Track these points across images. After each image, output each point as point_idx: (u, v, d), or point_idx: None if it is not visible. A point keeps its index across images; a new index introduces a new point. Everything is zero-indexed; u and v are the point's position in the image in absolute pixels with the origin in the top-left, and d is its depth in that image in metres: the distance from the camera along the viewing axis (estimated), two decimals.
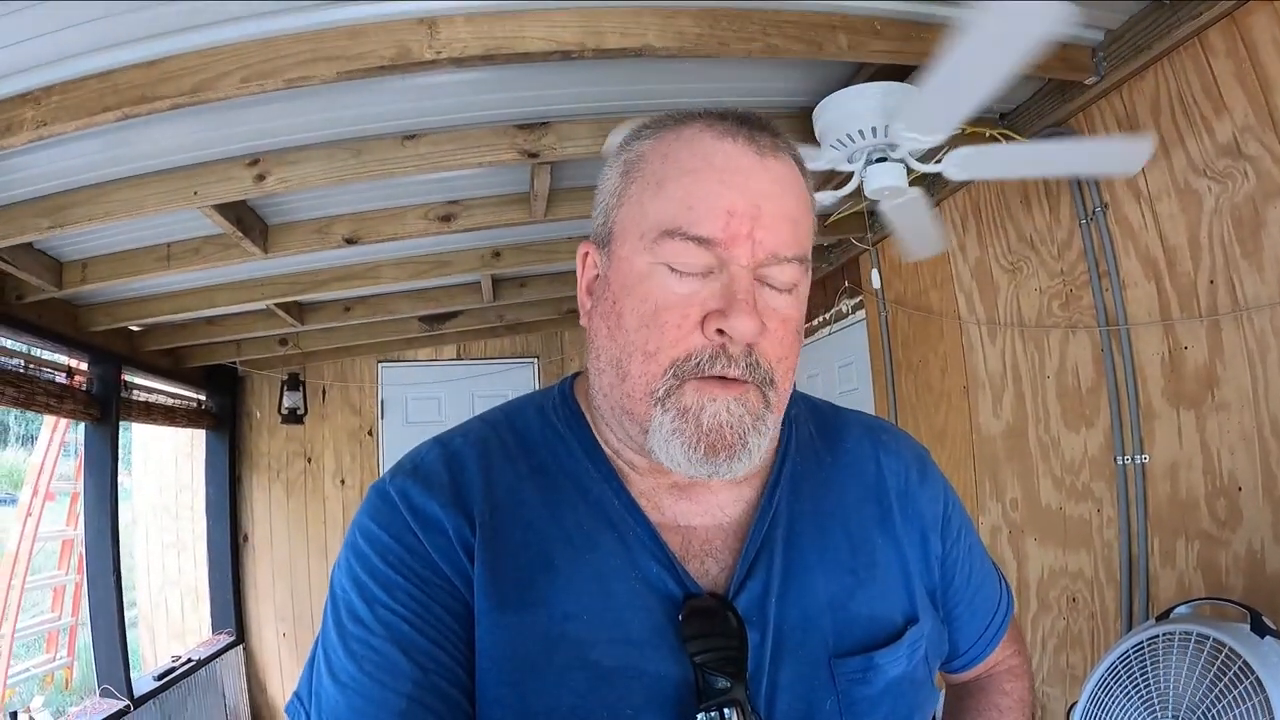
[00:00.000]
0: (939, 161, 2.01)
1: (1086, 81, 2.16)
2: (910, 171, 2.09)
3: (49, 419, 4.86)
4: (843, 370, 4.02)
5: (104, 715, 3.29)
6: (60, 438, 5.15)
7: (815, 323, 4.29)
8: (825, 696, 0.64)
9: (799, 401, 0.80)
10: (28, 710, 3.55)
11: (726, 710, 0.59)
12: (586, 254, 0.73)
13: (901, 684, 0.68)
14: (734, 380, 0.62)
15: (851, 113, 2.04)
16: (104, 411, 3.55)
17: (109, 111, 1.80)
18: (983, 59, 1.50)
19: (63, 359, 3.38)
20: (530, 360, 5.30)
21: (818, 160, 2.14)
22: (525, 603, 0.63)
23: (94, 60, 1.78)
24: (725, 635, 0.62)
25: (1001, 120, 2.54)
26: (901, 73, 2.05)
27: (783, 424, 0.72)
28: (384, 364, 5.21)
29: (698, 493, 0.70)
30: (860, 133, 2.04)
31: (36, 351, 3.25)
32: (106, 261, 2.87)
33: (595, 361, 0.69)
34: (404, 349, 5.20)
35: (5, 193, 2.27)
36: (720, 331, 0.61)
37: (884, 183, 2.08)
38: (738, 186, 0.62)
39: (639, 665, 0.62)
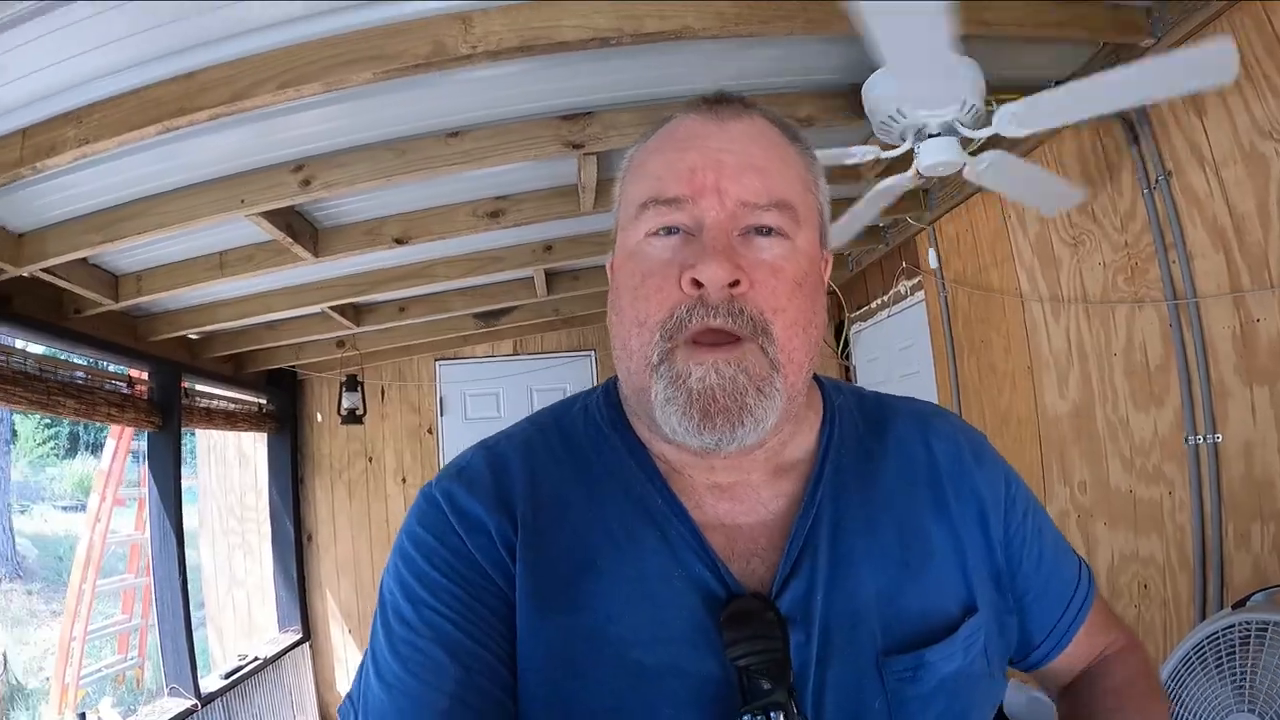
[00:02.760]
0: (990, 125, 1.93)
1: (1142, 44, 2.04)
2: (968, 142, 2.01)
3: (114, 429, 5.02)
4: (903, 353, 3.92)
5: (171, 715, 3.38)
6: (126, 445, 5.32)
7: (874, 305, 4.20)
8: (874, 697, 0.62)
9: (846, 393, 0.79)
10: (96, 711, 3.65)
11: (772, 714, 0.58)
12: (611, 264, 0.75)
13: (957, 680, 0.65)
14: (724, 341, 0.62)
15: (930, 90, 1.93)
16: (165, 418, 3.63)
17: (149, 126, 1.82)
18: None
19: (124, 369, 3.46)
20: (588, 353, 5.27)
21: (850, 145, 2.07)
22: (568, 605, 0.64)
23: (131, 76, 1.80)
24: (768, 637, 0.60)
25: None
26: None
27: (826, 414, 0.75)
28: (441, 362, 5.24)
29: (739, 490, 0.69)
30: (897, 115, 1.97)
31: (103, 364, 3.34)
32: (161, 273, 2.93)
33: (615, 354, 0.70)
34: (460, 346, 5.20)
35: (56, 210, 2.33)
36: (696, 283, 0.61)
37: (938, 158, 2.00)
38: (697, 148, 0.65)
39: (680, 665, 0.61)
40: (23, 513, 13.30)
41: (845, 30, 1.80)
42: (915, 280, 3.71)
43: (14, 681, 5.84)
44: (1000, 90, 2.01)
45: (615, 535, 0.66)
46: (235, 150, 2.23)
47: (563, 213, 2.86)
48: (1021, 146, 2.66)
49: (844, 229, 2.64)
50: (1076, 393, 2.61)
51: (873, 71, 2.00)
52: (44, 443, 15.75)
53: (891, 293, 3.96)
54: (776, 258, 0.64)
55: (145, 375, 3.58)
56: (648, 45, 1.88)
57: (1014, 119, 1.90)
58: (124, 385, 3.37)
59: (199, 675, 3.65)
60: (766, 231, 0.64)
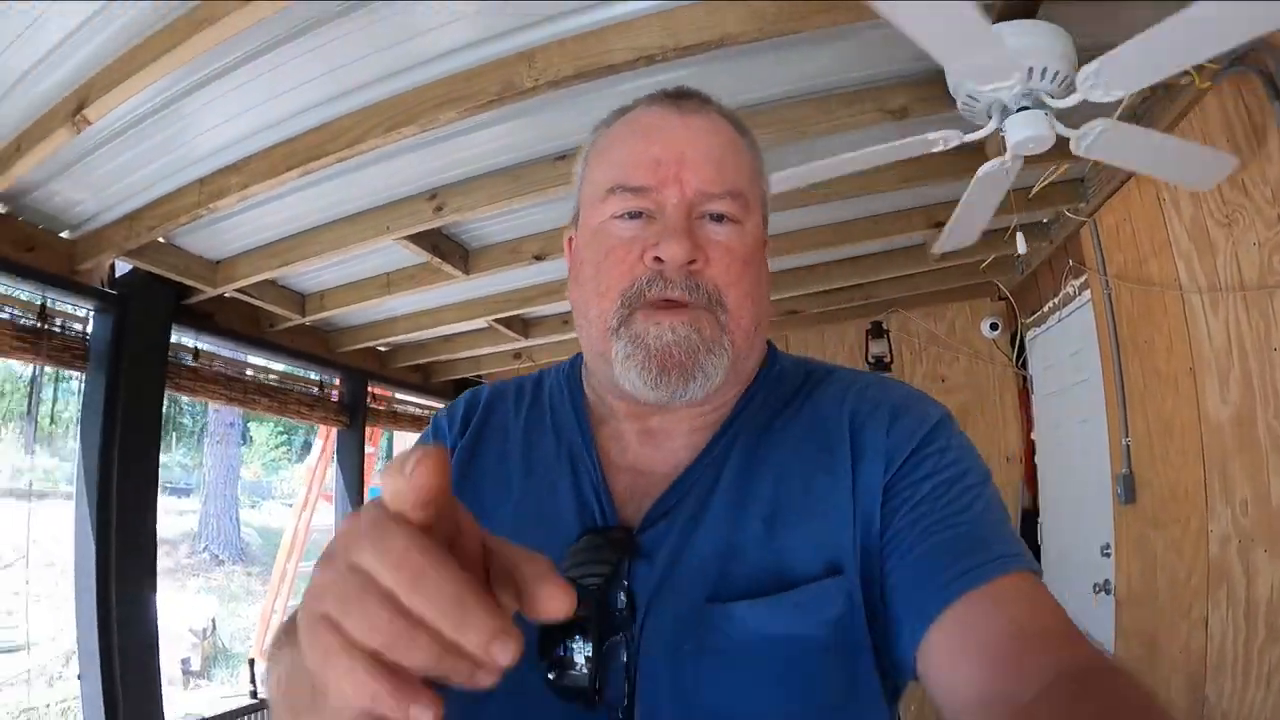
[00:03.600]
0: (1074, 93, 1.77)
1: None
2: (1053, 112, 1.85)
3: (322, 431, 5.77)
4: (1072, 359, 3.57)
5: None
6: (332, 446, 6.13)
7: (1046, 309, 3.87)
8: (686, 639, 0.65)
9: (790, 364, 0.83)
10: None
11: (579, 635, 0.64)
12: (570, 239, 0.84)
13: (784, 644, 0.64)
14: (678, 305, 0.69)
15: (976, 66, 1.82)
16: (352, 418, 4.25)
17: (292, 170, 2.21)
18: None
19: (315, 375, 4.08)
20: None
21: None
22: (477, 513, 0.75)
23: (276, 132, 2.20)
24: (599, 563, 0.66)
25: None
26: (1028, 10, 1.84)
27: (755, 381, 0.79)
28: None
29: (660, 439, 0.76)
30: (985, 89, 1.85)
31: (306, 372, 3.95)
32: (339, 292, 3.45)
33: (576, 322, 0.79)
34: None
35: (242, 241, 2.88)
36: (657, 259, 0.69)
37: (1024, 134, 1.85)
38: (662, 141, 0.72)
39: None
40: (253, 507, 15.49)
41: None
42: (1082, 279, 3.38)
43: (221, 645, 6.90)
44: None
45: (535, 467, 0.78)
46: (381, 185, 2.61)
47: None
48: (1163, 119, 2.38)
49: (958, 229, 2.50)
50: (1238, 396, 2.26)
51: None
52: (276, 447, 18.36)
53: (1061, 294, 3.62)
54: (729, 239, 0.72)
55: (335, 381, 4.18)
56: (719, 55, 1.96)
57: (1095, 80, 1.71)
58: (315, 389, 3.97)
59: None
60: (720, 218, 0.72)
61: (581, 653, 0.64)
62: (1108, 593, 3.15)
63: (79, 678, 2.77)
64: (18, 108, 1.98)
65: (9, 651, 7.15)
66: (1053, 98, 1.84)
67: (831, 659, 0.65)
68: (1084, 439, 3.47)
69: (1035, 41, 1.76)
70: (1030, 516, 4.24)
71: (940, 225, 3.26)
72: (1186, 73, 2.02)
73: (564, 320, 4.43)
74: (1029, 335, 4.19)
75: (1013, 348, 4.39)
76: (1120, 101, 2.09)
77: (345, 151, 2.14)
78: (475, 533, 0.41)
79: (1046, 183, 3.00)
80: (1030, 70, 1.78)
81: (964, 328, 4.63)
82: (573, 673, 0.63)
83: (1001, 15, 1.86)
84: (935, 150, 2.10)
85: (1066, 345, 3.65)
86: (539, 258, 3.16)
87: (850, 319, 4.77)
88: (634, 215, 0.72)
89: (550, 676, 0.64)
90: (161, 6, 1.64)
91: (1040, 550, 4.11)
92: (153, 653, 2.89)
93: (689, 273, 0.69)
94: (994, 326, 4.40)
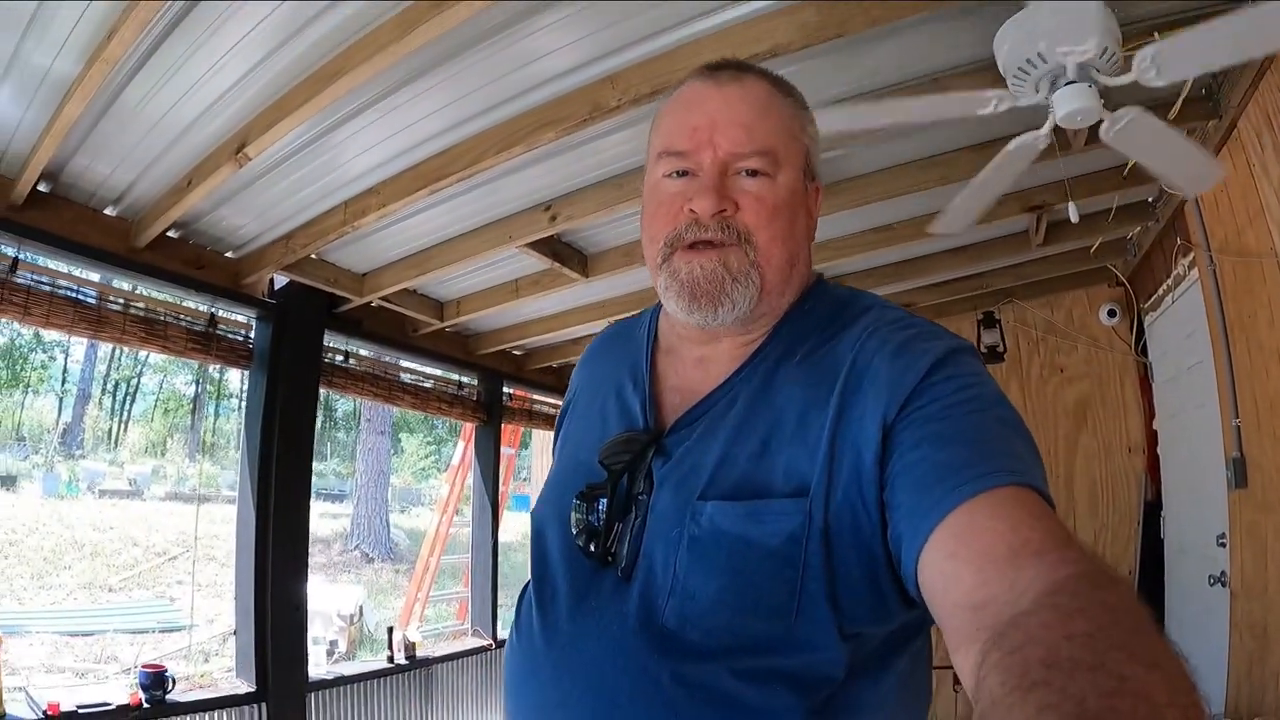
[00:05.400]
0: (1127, 73, 1.82)
1: None
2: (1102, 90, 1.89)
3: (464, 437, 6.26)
4: (1187, 342, 3.46)
5: (470, 646, 4.35)
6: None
7: (1159, 292, 3.76)
8: (675, 526, 0.78)
9: (827, 300, 0.90)
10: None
11: (600, 499, 0.83)
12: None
13: (741, 544, 0.74)
14: (710, 245, 0.82)
15: (1026, 36, 1.89)
16: (489, 415, 4.72)
17: (420, 190, 2.61)
18: None
19: (455, 375, 4.55)
20: None
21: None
22: (571, 432, 1.01)
23: (405, 159, 2.61)
24: (625, 454, 0.84)
25: None
26: None
27: (786, 314, 0.88)
28: None
29: (708, 365, 0.89)
30: (1034, 59, 1.89)
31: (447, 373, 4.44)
32: (473, 297, 3.90)
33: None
34: None
35: (384, 255, 3.36)
36: (693, 211, 0.83)
37: (1074, 105, 1.89)
38: (698, 110, 0.85)
39: (590, 462, 0.87)
40: (402, 511, 16.95)
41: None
42: (1190, 257, 3.29)
43: (367, 630, 7.70)
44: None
45: (607, 385, 0.96)
46: (501, 200, 2.98)
47: None
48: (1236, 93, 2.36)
49: (970, 199, 2.50)
50: None
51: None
52: (425, 458, 20.33)
53: (1172, 275, 3.53)
54: (759, 190, 0.82)
55: (474, 381, 4.66)
56: (777, 64, 2.08)
57: (1154, 63, 1.77)
58: (454, 388, 4.46)
59: (498, 624, 4.55)
60: (752, 173, 0.83)
61: (604, 522, 0.81)
62: (1223, 585, 3.05)
63: (234, 634, 3.24)
64: (188, 149, 2.46)
65: (173, 630, 8.32)
66: (1102, 74, 1.89)
67: (775, 566, 0.73)
68: (1201, 425, 3.37)
69: (1106, 17, 1.81)
70: (1153, 509, 4.11)
71: (1035, 209, 3.29)
72: None
73: None
74: (1147, 320, 4.07)
75: (1132, 334, 4.27)
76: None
77: (465, 171, 2.50)
78: None
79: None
80: (1101, 45, 1.81)
81: (1081, 316, 4.53)
82: (595, 537, 0.81)
83: None
84: (985, 111, 2.09)
85: (1181, 327, 3.56)
86: None
87: (964, 311, 4.73)
88: (681, 174, 0.84)
89: (578, 539, 0.82)
90: (305, 59, 2.04)
91: (1163, 544, 3.99)
92: (300, 631, 3.35)
93: (721, 219, 0.81)
94: (1112, 313, 4.30)
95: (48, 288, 2.68)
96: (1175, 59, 1.78)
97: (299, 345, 3.43)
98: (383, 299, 3.55)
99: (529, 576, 0.91)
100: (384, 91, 2.25)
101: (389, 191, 2.68)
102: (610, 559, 0.80)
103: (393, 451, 16.77)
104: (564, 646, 0.79)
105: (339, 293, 3.44)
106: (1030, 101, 2.02)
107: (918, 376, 0.73)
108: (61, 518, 11.58)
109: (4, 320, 3.38)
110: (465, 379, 4.57)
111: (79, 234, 2.70)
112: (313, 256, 3.25)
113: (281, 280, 3.38)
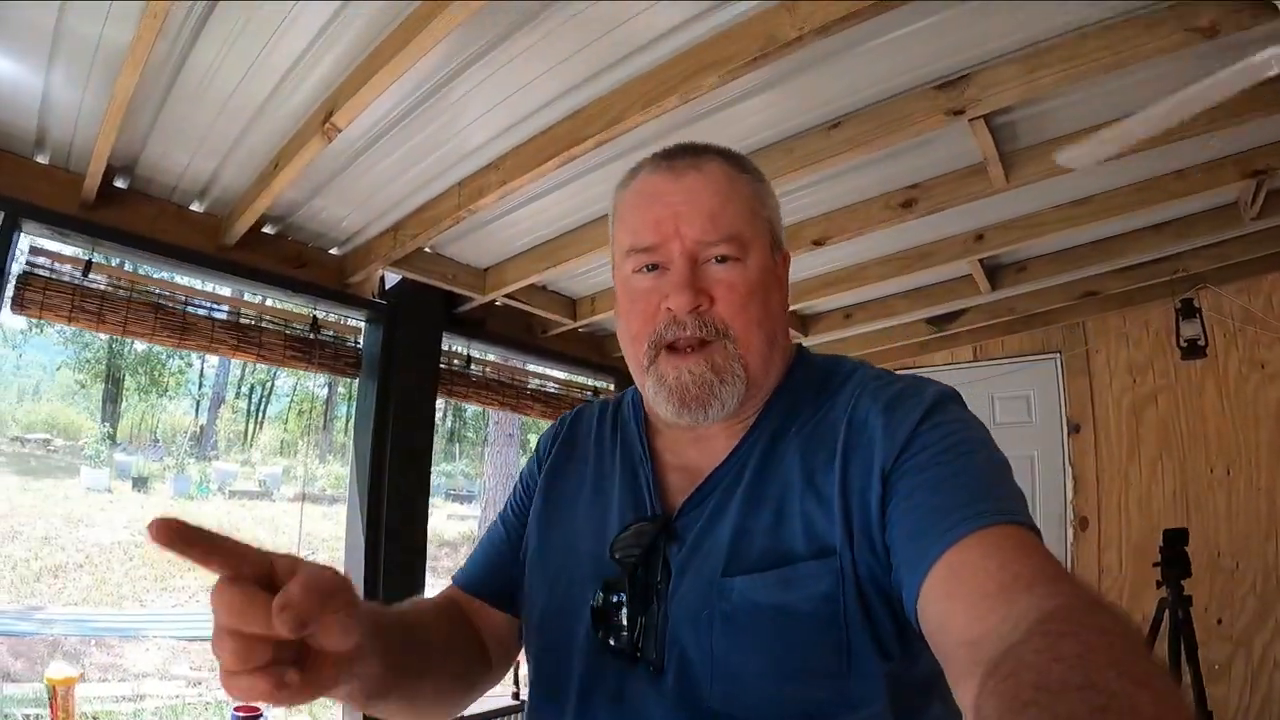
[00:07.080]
0: None
1: None
2: None
3: None
4: None
5: None
6: None
7: None
8: (705, 607, 0.77)
9: (809, 371, 0.91)
10: None
11: (619, 593, 0.81)
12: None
13: (776, 613, 0.74)
14: (694, 346, 0.82)
15: None
16: None
17: (550, 161, 2.10)
18: None
19: (588, 380, 4.10)
20: (1052, 355, 4.48)
21: None
22: (557, 506, 0.96)
23: (532, 124, 2.11)
24: (637, 546, 0.82)
25: None
26: None
27: (779, 389, 0.89)
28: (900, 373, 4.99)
29: (705, 442, 0.89)
30: None
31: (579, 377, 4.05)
32: (609, 293, 3.34)
33: (625, 356, 0.92)
34: (917, 354, 4.86)
35: (510, 245, 2.86)
36: (669, 309, 0.82)
37: None
38: (659, 203, 0.84)
39: (599, 553, 0.85)
40: None
41: None
42: None
43: None
44: None
45: (605, 470, 0.94)
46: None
47: (975, 193, 2.52)
48: None
49: (1169, 109, 1.71)
50: None
51: None
52: None
53: None
54: (731, 277, 0.83)
55: (610, 386, 4.17)
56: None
57: None
58: (589, 394, 4.02)
59: None
60: (722, 259, 0.83)
61: (626, 617, 0.80)
62: None
63: None
64: (270, 126, 2.07)
65: None
66: None
67: (818, 629, 0.73)
68: None
69: None
70: None
71: (1258, 174, 2.55)
72: None
73: (846, 315, 4.03)
74: None
75: None
76: None
77: (604, 134, 1.98)
78: (284, 565, 0.56)
79: None
80: None
81: None
82: (619, 634, 0.80)
83: None
84: (1269, 75, 1.53)
85: None
86: (819, 243, 2.82)
87: (1152, 299, 3.99)
88: (650, 268, 0.84)
89: (601, 637, 0.81)
90: (391, 7, 1.60)
91: None
92: None
93: (698, 314, 0.81)
94: None
95: (125, 293, 2.39)
96: None
97: (413, 351, 3.05)
98: (507, 297, 3.08)
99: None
100: (492, 41, 1.79)
101: (510, 166, 2.19)
102: (639, 654, 0.79)
103: (521, 454, 16.89)
104: None
105: (459, 290, 3.00)
106: None
107: (910, 427, 0.76)
108: (190, 519, 12.00)
109: (77, 329, 3.17)
110: (600, 383, 4.10)
111: (160, 231, 2.38)
112: (426, 250, 2.83)
113: (393, 278, 2.99)
